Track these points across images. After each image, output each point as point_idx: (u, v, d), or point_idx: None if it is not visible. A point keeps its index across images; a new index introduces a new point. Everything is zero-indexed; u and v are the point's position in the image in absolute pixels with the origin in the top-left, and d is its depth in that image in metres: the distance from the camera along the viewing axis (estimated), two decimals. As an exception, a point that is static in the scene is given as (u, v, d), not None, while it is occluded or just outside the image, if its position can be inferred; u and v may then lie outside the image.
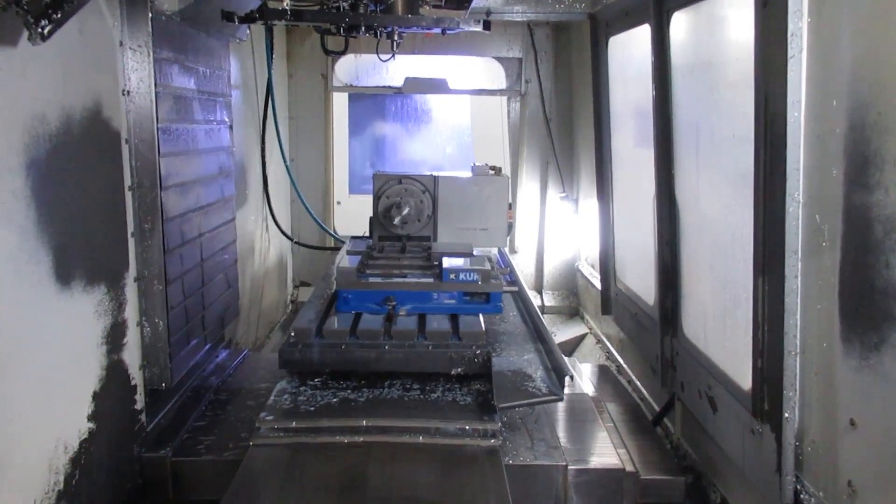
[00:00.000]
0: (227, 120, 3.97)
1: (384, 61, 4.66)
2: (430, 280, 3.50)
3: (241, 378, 3.72)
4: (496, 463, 2.70)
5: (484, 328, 3.35)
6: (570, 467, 2.83)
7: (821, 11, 2.11)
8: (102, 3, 2.65)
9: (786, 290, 2.23)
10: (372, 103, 9.06)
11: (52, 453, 2.31)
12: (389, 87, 6.62)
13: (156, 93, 2.90)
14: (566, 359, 3.30)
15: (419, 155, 9.11)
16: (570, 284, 6.64)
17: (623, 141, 4.41)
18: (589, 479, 2.86)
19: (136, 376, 2.92)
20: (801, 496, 2.29)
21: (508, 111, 6.85)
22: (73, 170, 2.42)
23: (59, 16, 1.97)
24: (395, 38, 3.88)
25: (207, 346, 3.72)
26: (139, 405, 2.94)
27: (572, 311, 6.58)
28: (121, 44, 2.78)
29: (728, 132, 2.81)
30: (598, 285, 5.02)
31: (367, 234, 4.39)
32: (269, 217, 5.55)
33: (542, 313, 4.75)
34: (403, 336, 3.23)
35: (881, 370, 1.92)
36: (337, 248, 5.66)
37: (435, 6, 3.99)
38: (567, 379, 2.98)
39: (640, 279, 4.10)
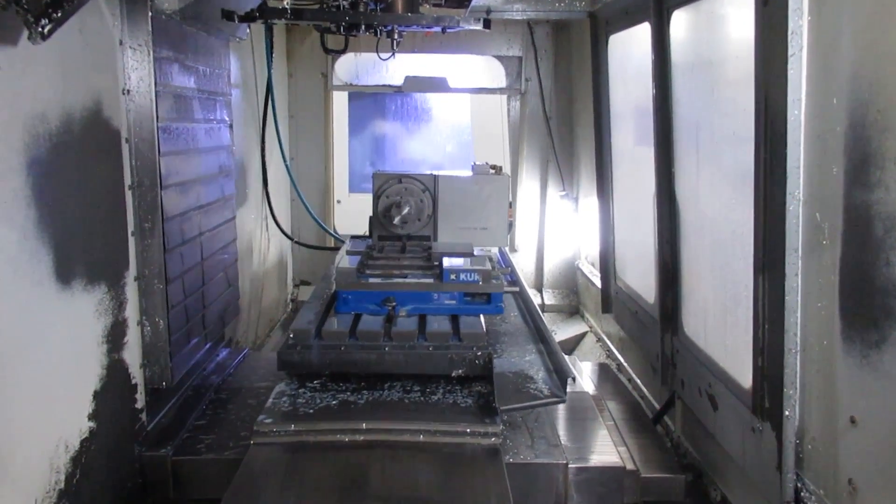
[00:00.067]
0: (227, 119, 3.97)
1: (384, 60, 4.65)
2: (431, 280, 3.47)
3: (242, 377, 3.72)
4: (497, 462, 2.69)
5: (485, 329, 3.33)
6: (570, 465, 2.82)
7: (821, 10, 2.11)
8: (102, 2, 2.64)
9: (786, 288, 2.23)
10: (372, 102, 9.06)
11: (53, 452, 2.31)
12: (389, 85, 6.62)
13: (156, 92, 2.90)
14: (567, 358, 3.29)
15: (419, 154, 9.12)
16: (571, 283, 6.64)
17: (623, 139, 4.41)
18: (589, 477, 2.86)
19: (137, 375, 2.92)
20: (802, 494, 2.29)
21: (508, 110, 6.84)
22: (73, 169, 2.42)
23: (59, 15, 1.96)
24: (395, 36, 3.88)
25: (208, 345, 3.72)
26: (140, 404, 2.95)
27: (572, 310, 6.58)
28: (121, 43, 2.78)
29: (728, 130, 2.81)
30: (599, 284, 5.02)
31: (367, 233, 4.38)
32: (270, 216, 5.55)
33: (543, 312, 4.75)
34: (403, 337, 3.20)
35: (882, 368, 1.92)
36: (337, 248, 5.66)
37: (435, 5, 3.99)
38: (569, 380, 2.97)
39: (641, 277, 4.10)
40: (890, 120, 1.85)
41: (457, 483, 2.60)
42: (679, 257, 3.45)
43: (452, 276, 3.43)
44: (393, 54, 4.31)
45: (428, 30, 3.92)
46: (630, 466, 2.93)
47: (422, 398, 3.09)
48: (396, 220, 4.13)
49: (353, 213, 7.06)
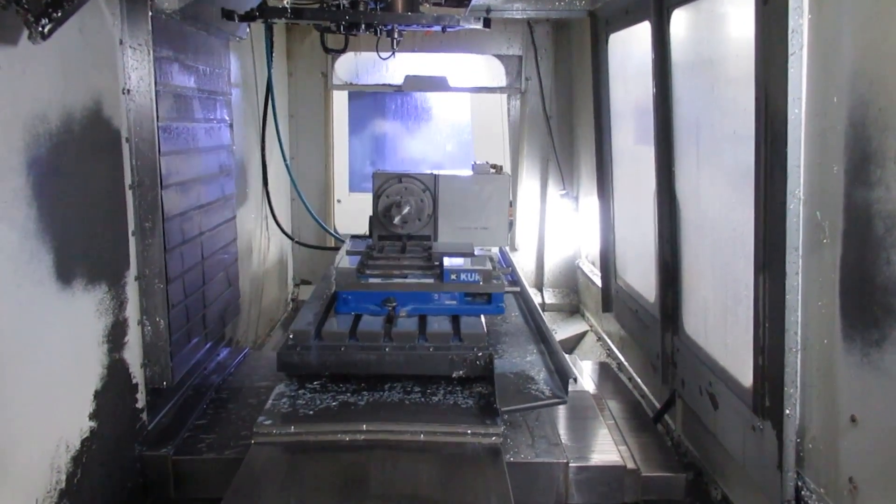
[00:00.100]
0: (227, 118, 3.97)
1: (384, 59, 4.65)
2: (431, 280, 3.46)
3: (242, 376, 3.71)
4: (498, 464, 2.68)
5: (486, 329, 3.32)
6: (571, 464, 2.82)
7: (821, 8, 2.11)
8: (102, 1, 2.64)
9: (787, 287, 2.23)
10: (372, 101, 9.07)
11: (53, 452, 2.31)
12: (389, 85, 6.61)
13: (156, 91, 2.90)
14: (567, 357, 3.28)
15: (419, 153, 9.12)
16: (571, 282, 6.64)
17: (623, 138, 4.41)
18: (590, 476, 2.85)
19: (138, 375, 2.92)
20: (802, 493, 2.29)
21: (508, 109, 6.84)
22: (73, 169, 2.42)
23: (59, 14, 1.96)
24: (395, 35, 3.88)
25: (208, 345, 3.72)
26: (140, 404, 2.95)
27: (573, 309, 6.58)
28: (121, 42, 2.78)
29: (728, 129, 2.81)
30: (599, 283, 5.02)
31: (367, 233, 4.37)
32: (270, 216, 5.55)
33: (543, 310, 4.74)
34: (404, 338, 3.19)
35: (882, 367, 1.92)
36: (337, 248, 5.66)
37: (435, 4, 3.99)
38: (570, 381, 2.94)
39: (641, 276, 4.10)
40: (890, 118, 1.85)
41: (457, 484, 2.59)
42: (679, 256, 3.45)
43: (453, 277, 3.41)
44: (393, 53, 4.31)
45: (428, 29, 3.92)
46: (630, 465, 2.93)
47: (422, 399, 3.07)
48: (397, 220, 4.12)
49: (353, 213, 7.06)
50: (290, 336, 3.19)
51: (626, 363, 4.72)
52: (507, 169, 6.62)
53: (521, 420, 3.08)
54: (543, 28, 6.45)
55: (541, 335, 3.55)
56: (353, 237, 4.50)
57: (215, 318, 3.81)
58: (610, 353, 5.14)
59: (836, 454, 2.15)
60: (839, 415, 2.12)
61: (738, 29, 2.63)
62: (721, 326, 2.96)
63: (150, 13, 2.83)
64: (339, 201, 7.24)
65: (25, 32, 1.94)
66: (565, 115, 6.50)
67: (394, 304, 3.39)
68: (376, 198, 4.22)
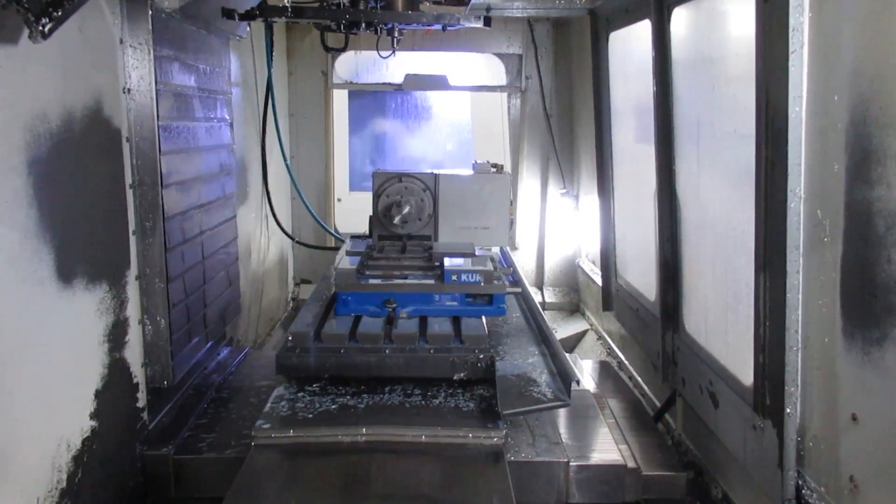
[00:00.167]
0: (227, 117, 3.97)
1: (384, 58, 4.65)
2: (432, 281, 3.43)
3: (243, 376, 3.71)
4: (500, 467, 2.66)
5: (487, 331, 3.29)
6: (571, 463, 2.82)
7: (822, 6, 2.11)
8: (102, 1, 2.64)
9: (787, 286, 2.23)
10: (372, 100, 9.06)
11: (54, 451, 2.31)
12: (389, 83, 6.61)
13: (156, 90, 2.90)
14: (568, 357, 3.28)
15: (419, 152, 9.11)
16: (571, 281, 6.65)
17: (624, 137, 4.41)
18: (590, 475, 2.85)
19: (138, 374, 2.93)
20: (803, 491, 2.29)
21: (509, 107, 6.84)
22: (74, 168, 2.42)
23: (59, 14, 1.96)
24: (396, 34, 3.88)
25: (209, 344, 3.72)
26: (141, 403, 2.95)
27: (573, 308, 6.58)
28: (121, 41, 2.78)
29: (729, 128, 2.80)
30: (599, 281, 5.02)
31: (367, 232, 4.36)
32: (270, 215, 5.55)
33: (543, 309, 4.74)
34: (404, 339, 3.16)
35: (883, 365, 1.92)
36: (337, 248, 5.66)
37: (435, 2, 3.99)
38: (573, 384, 2.92)
39: (641, 275, 4.10)
40: (891, 116, 1.85)
41: (459, 487, 2.57)
42: (680, 255, 3.45)
43: (454, 277, 3.39)
44: (393, 52, 4.31)
45: (428, 28, 3.92)
46: (631, 464, 2.93)
47: (423, 402, 3.05)
48: (397, 220, 4.11)
49: (353, 212, 7.06)
50: (289, 338, 3.17)
51: (626, 362, 4.72)
52: (507, 168, 6.62)
53: (521, 419, 3.08)
54: (543, 26, 6.45)
55: (542, 336, 3.53)
56: (353, 237, 4.49)
57: (216, 318, 3.81)
58: (610, 352, 5.14)
59: (836, 453, 2.15)
60: (840, 413, 2.12)
61: (739, 27, 2.63)
62: (721, 325, 2.96)
63: (150, 12, 2.83)
64: (339, 200, 7.24)
65: (26, 32, 1.94)
66: (565, 114, 6.50)
67: (394, 305, 3.36)
68: (376, 197, 4.21)
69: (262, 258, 5.53)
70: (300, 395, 3.08)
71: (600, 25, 4.50)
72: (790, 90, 2.14)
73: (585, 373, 4.11)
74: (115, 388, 2.71)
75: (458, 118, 9.11)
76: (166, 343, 3.02)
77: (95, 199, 2.58)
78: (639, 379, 4.38)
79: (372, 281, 3.44)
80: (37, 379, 2.24)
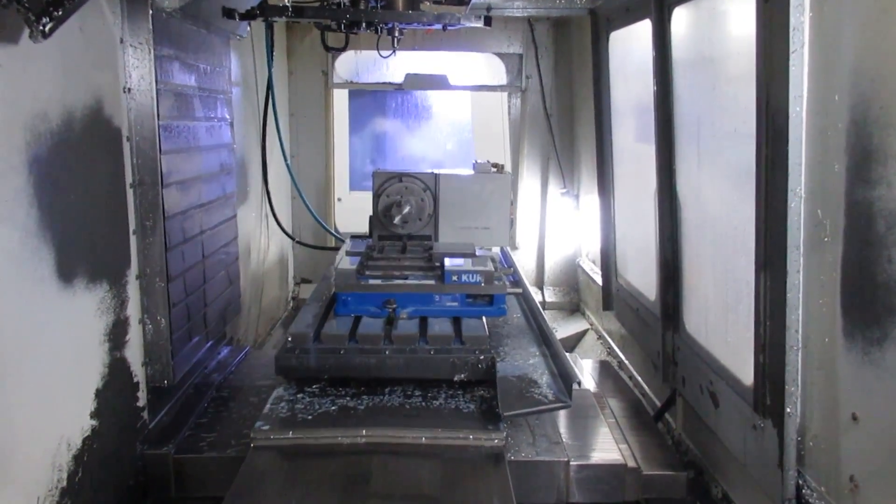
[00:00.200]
0: (227, 117, 3.97)
1: (384, 58, 4.65)
2: (432, 282, 3.41)
3: (243, 375, 3.71)
4: (501, 470, 2.65)
5: (487, 332, 3.28)
6: (571, 463, 2.82)
7: (822, 6, 2.11)
8: (103, 0, 2.64)
9: (787, 286, 2.23)
10: (372, 100, 9.06)
11: (55, 451, 2.31)
12: (390, 83, 6.61)
13: (157, 90, 2.90)
14: (568, 356, 3.28)
15: (420, 151, 9.11)
16: (572, 280, 6.64)
17: (624, 136, 4.41)
18: (591, 474, 2.85)
19: (139, 373, 2.93)
20: (803, 491, 2.29)
21: (509, 107, 6.84)
22: (74, 168, 2.42)
23: (60, 13, 1.96)
24: (396, 34, 3.88)
25: (209, 344, 3.73)
26: (141, 402, 2.95)
27: (573, 307, 6.58)
28: (121, 41, 2.78)
29: (729, 127, 2.80)
30: (600, 281, 5.02)
31: (367, 232, 4.35)
32: (270, 214, 5.55)
33: (543, 309, 4.74)
34: (404, 340, 3.15)
35: (883, 365, 1.92)
36: (337, 248, 5.65)
37: (435, 2, 3.99)
38: (574, 385, 2.90)
39: (642, 275, 4.10)
40: (892, 116, 1.85)
41: (459, 489, 2.57)
42: (680, 254, 3.45)
43: (454, 278, 3.37)
44: (393, 52, 4.31)
45: (428, 27, 3.91)
46: (631, 464, 2.93)
47: (423, 403, 3.04)
48: (397, 220, 4.10)
49: (353, 211, 7.06)
50: (289, 339, 3.15)
51: (626, 361, 4.72)
52: (508, 167, 6.62)
53: (521, 419, 3.08)
54: (544, 26, 6.44)
55: (543, 337, 3.52)
56: (353, 237, 4.48)
57: (216, 317, 3.81)
58: (610, 352, 5.14)
59: (837, 452, 2.15)
60: (840, 413, 2.12)
61: (739, 27, 2.63)
62: (722, 325, 2.96)
63: (150, 12, 2.83)
64: (339, 200, 7.24)
65: (26, 31, 1.94)
66: (566, 114, 6.50)
67: (394, 305, 3.35)
68: (376, 197, 4.20)
69: (263, 257, 5.53)
70: (300, 396, 3.07)
71: (601, 25, 4.50)
72: (791, 90, 2.14)
73: (586, 372, 4.12)
74: (115, 388, 2.71)
75: (459, 118, 9.11)
76: (167, 342, 3.02)
77: (96, 199, 2.58)
78: (639, 378, 4.38)
79: (372, 281, 3.43)
80: (37, 378, 2.24)
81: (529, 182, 6.65)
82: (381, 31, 3.89)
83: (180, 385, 3.33)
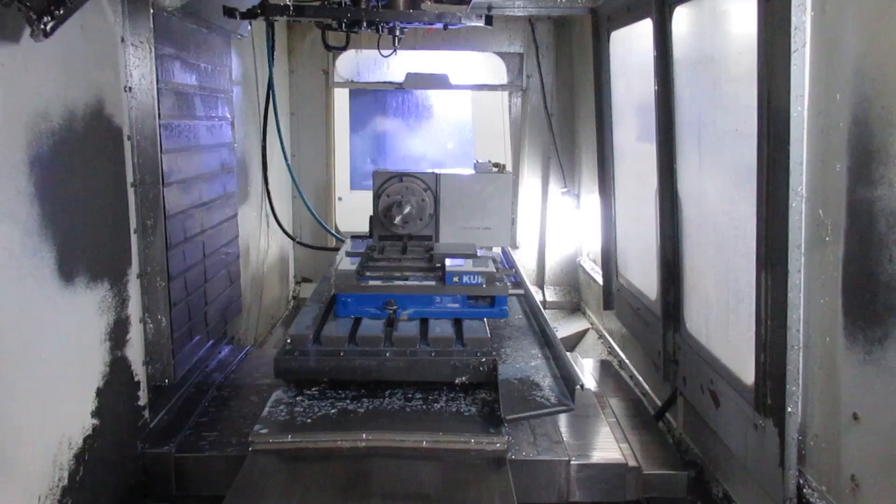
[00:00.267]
0: (228, 116, 3.97)
1: (385, 57, 4.64)
2: (433, 283, 3.38)
3: (244, 374, 3.71)
4: (502, 471, 2.64)
5: (489, 334, 3.25)
6: (572, 462, 2.82)
7: (824, 5, 2.11)
8: (104, -1, 2.65)
9: (789, 285, 2.23)
10: (373, 99, 9.05)
11: (56, 449, 2.31)
12: (390, 82, 6.61)
13: (157, 89, 2.90)
14: (569, 355, 3.27)
15: (420, 151, 9.11)
16: (572, 280, 6.64)
17: (625, 136, 4.41)
18: (591, 473, 2.85)
19: (140, 372, 2.93)
20: (804, 490, 2.29)
21: (510, 106, 6.84)
22: (75, 166, 2.42)
23: (61, 12, 1.96)
24: (397, 33, 3.87)
25: (210, 343, 3.73)
26: (142, 401, 2.95)
27: (574, 307, 6.58)
28: (122, 40, 2.78)
29: (730, 127, 2.80)
30: (600, 280, 5.02)
31: (368, 232, 4.34)
32: (271, 214, 5.55)
33: (544, 308, 4.74)
34: (405, 342, 3.12)
35: (884, 364, 1.92)
36: (337, 248, 5.65)
37: (436, 1, 3.98)
38: (577, 388, 2.87)
39: (643, 274, 4.09)
40: (894, 116, 1.85)
41: (460, 495, 2.55)
42: (681, 254, 3.45)
43: (455, 279, 3.34)
44: (394, 51, 4.30)
45: (429, 26, 3.91)
46: (632, 463, 2.93)
47: (424, 406, 3.02)
48: (397, 220, 4.09)
49: (354, 210, 7.06)
50: (288, 341, 3.12)
51: (627, 361, 4.72)
52: (508, 166, 6.61)
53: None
54: (545, 25, 6.44)
55: (545, 338, 3.50)
56: (354, 237, 4.46)
57: (217, 316, 3.81)
58: (611, 351, 5.14)
59: (837, 452, 2.15)
60: (841, 412, 2.12)
61: (741, 26, 2.63)
62: (723, 324, 2.96)
63: (151, 11, 2.84)
64: (340, 199, 7.24)
65: (28, 30, 1.94)
66: (567, 113, 6.50)
67: (394, 307, 3.32)
68: (377, 197, 4.19)
69: (263, 256, 5.53)
70: (299, 398, 3.04)
71: (601, 24, 4.50)
72: (792, 89, 2.14)
73: (586, 371, 4.11)
74: (116, 387, 2.71)
75: (460, 117, 9.11)
76: (167, 341, 3.03)
77: (97, 198, 2.58)
78: (640, 378, 4.38)
79: (372, 282, 3.40)
80: (38, 377, 2.24)
81: (530, 181, 6.65)
82: (382, 30, 3.89)
83: (181, 384, 3.33)
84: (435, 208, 4.19)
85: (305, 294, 6.24)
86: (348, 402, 3.03)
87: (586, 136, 5.82)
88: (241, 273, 4.33)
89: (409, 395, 3.10)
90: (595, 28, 4.59)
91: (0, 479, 2.04)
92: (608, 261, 4.75)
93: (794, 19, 2.11)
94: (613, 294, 4.72)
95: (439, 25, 3.76)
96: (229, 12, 3.55)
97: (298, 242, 6.31)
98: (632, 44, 4.05)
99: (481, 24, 3.76)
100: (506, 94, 6.86)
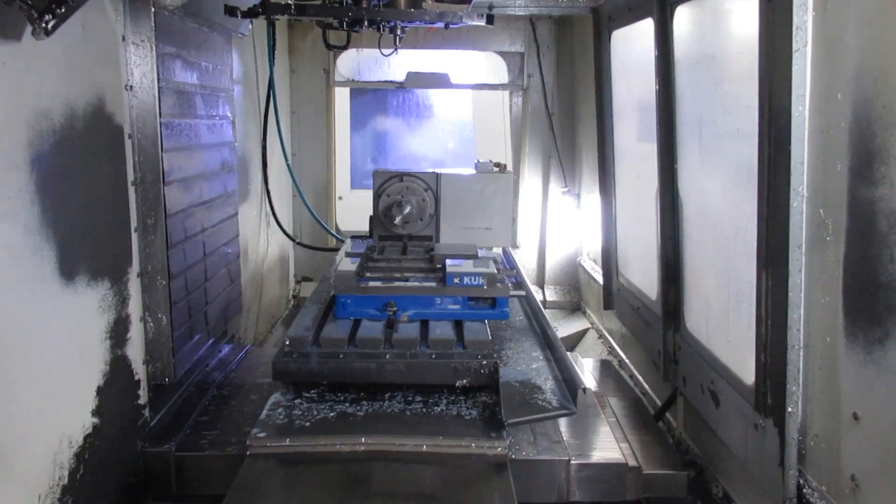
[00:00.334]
0: (229, 115, 3.97)
1: (386, 56, 4.64)
2: (433, 284, 3.36)
3: (244, 373, 3.71)
4: (503, 475, 2.63)
5: (490, 336, 3.23)
6: (572, 462, 2.82)
7: (826, 5, 2.10)
8: (105, -3, 2.65)
9: (789, 285, 2.23)
10: (374, 98, 9.05)
11: (56, 448, 2.31)
12: (391, 81, 6.61)
13: (158, 87, 2.90)
14: (570, 355, 3.27)
15: (421, 150, 9.11)
16: (572, 279, 6.64)
17: (626, 135, 4.41)
18: (591, 473, 2.85)
19: (140, 371, 2.93)
20: (804, 490, 2.29)
21: (510, 106, 6.84)
22: (76, 165, 2.42)
23: (62, 11, 1.96)
24: (398, 32, 3.87)
25: (210, 342, 3.73)
26: (143, 400, 2.95)
27: (574, 306, 6.58)
28: (123, 38, 2.78)
29: (731, 126, 2.80)
30: (601, 280, 5.02)
31: (368, 232, 4.33)
32: (271, 214, 5.55)
33: (544, 307, 4.73)
34: (405, 344, 3.10)
35: (885, 364, 1.92)
36: (337, 249, 5.64)
37: (437, 0, 3.98)
38: (580, 392, 2.85)
39: (643, 274, 4.09)
40: (895, 115, 1.84)
41: (461, 500, 2.54)
42: (681, 253, 3.45)
43: (456, 280, 3.32)
44: (395, 50, 4.30)
45: (431, 25, 3.91)
46: (632, 463, 2.93)
47: (424, 410, 3.00)
48: (398, 220, 4.07)
49: (354, 210, 7.06)
50: (287, 342, 3.10)
51: (627, 361, 4.72)
52: (509, 166, 6.61)
53: (522, 417, 3.06)
54: (546, 25, 6.44)
55: (546, 340, 3.49)
56: (354, 237, 4.44)
57: (217, 315, 3.81)
58: (611, 351, 5.14)
59: (838, 452, 2.15)
60: (841, 412, 2.12)
61: (742, 25, 2.62)
62: (723, 324, 2.96)
63: (152, 9, 2.84)
64: (340, 198, 7.24)
65: (29, 28, 1.94)
66: (567, 112, 6.50)
67: (394, 308, 3.30)
68: (377, 197, 4.18)
69: (263, 255, 5.53)
70: (297, 401, 3.02)
71: (602, 24, 4.49)
72: (793, 89, 2.14)
73: (586, 371, 4.11)
74: (116, 385, 2.71)
75: (460, 116, 9.10)
76: (168, 340, 3.02)
77: (97, 196, 2.58)
78: (640, 377, 4.38)
79: (372, 283, 3.37)
80: (39, 375, 2.24)
81: (531, 181, 6.65)
82: (384, 30, 3.89)
83: (181, 383, 3.33)
84: (435, 208, 4.18)
85: (306, 293, 6.24)
86: (347, 405, 3.01)
87: (587, 135, 5.82)
88: (241, 272, 4.33)
89: (409, 398, 3.08)
90: (596, 27, 4.59)
91: (0, 477, 2.04)
92: (608, 260, 4.75)
93: (795, 19, 2.11)
94: (614, 294, 4.72)
95: (440, 24, 3.76)
96: (230, 11, 3.55)
97: (298, 243, 6.31)
98: (633, 43, 4.05)
99: (482, 23, 3.76)
100: (506, 93, 6.86)
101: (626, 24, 4.06)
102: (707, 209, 3.15)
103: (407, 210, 4.08)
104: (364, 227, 4.49)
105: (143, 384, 2.95)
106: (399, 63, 6.44)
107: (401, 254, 3.86)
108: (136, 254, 2.88)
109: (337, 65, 6.56)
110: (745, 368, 2.63)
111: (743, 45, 2.57)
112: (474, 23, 3.75)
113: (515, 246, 6.67)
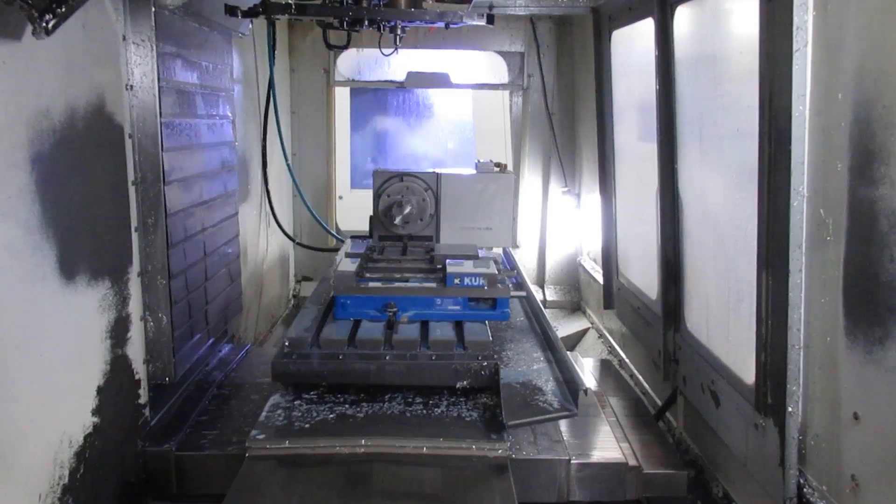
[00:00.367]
0: (229, 115, 3.97)
1: (386, 55, 4.64)
2: (433, 284, 3.35)
3: (244, 373, 3.71)
4: (504, 477, 2.62)
5: (491, 337, 3.22)
6: (572, 461, 2.82)
7: (826, 5, 2.10)
8: (105, -3, 2.65)
9: (790, 284, 2.23)
10: (374, 98, 9.05)
11: (56, 447, 2.31)
12: (392, 81, 6.61)
13: (159, 87, 2.90)
14: (570, 354, 3.27)
15: (421, 150, 9.11)
16: (573, 279, 6.64)
17: (626, 135, 4.41)
18: (591, 473, 2.85)
19: (140, 371, 2.93)
20: (804, 490, 2.29)
21: (510, 105, 6.83)
22: (76, 164, 2.42)
23: (62, 10, 1.96)
24: (398, 32, 3.87)
25: (210, 341, 3.73)
26: (143, 399, 2.95)
27: (574, 306, 6.58)
28: (124, 38, 2.78)
29: (732, 126, 2.80)
30: (601, 280, 5.02)
31: (368, 232, 4.32)
32: (271, 214, 5.55)
33: (545, 307, 4.73)
34: (405, 345, 3.09)
35: (885, 364, 1.92)
36: (337, 249, 5.64)
37: (438, 0, 3.98)
38: (581, 393, 2.84)
39: (643, 273, 4.09)
40: (895, 115, 1.85)
41: (461, 501, 2.54)
42: (682, 253, 3.45)
43: (456, 280, 3.31)
44: (395, 50, 4.30)
45: (431, 25, 3.91)
46: (632, 462, 2.93)
47: (424, 411, 2.99)
48: (398, 220, 4.07)
49: (355, 209, 7.06)
50: (286, 343, 3.08)
51: (627, 360, 4.72)
52: (509, 166, 6.61)
53: (522, 416, 3.06)
54: (546, 24, 6.44)
55: (547, 341, 3.48)
56: (353, 237, 4.42)
57: (217, 315, 3.81)
58: (611, 351, 5.14)
59: (838, 451, 2.15)
60: (842, 412, 2.12)
61: (742, 25, 2.62)
62: (723, 324, 2.96)
63: (153, 9, 2.84)
64: (340, 198, 7.24)
65: (29, 28, 1.94)
66: (567, 112, 6.49)
67: (394, 309, 3.29)
68: (377, 197, 4.17)
69: (264, 255, 5.53)
70: (297, 403, 3.01)
71: (603, 23, 4.49)
72: (794, 89, 2.14)
73: (586, 371, 4.11)
74: (116, 385, 2.71)
75: (460, 116, 9.10)
76: (168, 340, 3.03)
77: (98, 196, 2.58)
78: (640, 377, 4.38)
79: (372, 284, 3.36)
80: (39, 375, 2.24)
81: (531, 180, 6.65)
82: (384, 29, 3.89)
83: (181, 382, 3.33)
84: (436, 208, 4.17)
85: (306, 292, 6.24)
86: (347, 406, 3.00)
87: (587, 135, 5.82)
88: (241, 271, 4.33)
89: (410, 400, 3.07)
90: (596, 27, 4.59)
91: (1, 476, 2.04)
92: (609, 260, 4.75)
93: (795, 19, 2.11)
94: (614, 293, 4.72)
95: (441, 24, 3.76)
96: (231, 10, 3.55)
97: (298, 244, 6.31)
98: (633, 43, 4.05)
99: (482, 23, 3.76)
100: (507, 93, 6.86)
101: (627, 23, 4.06)
102: (707, 209, 3.15)
103: (407, 210, 4.07)
104: (364, 226, 4.48)
105: (144, 384, 2.95)
106: (399, 63, 6.43)
107: (401, 254, 3.85)
108: (136, 253, 2.88)
109: (337, 64, 6.56)
110: (746, 368, 2.63)
111: (743, 44, 2.57)
112: (474, 22, 3.75)
113: (516, 246, 6.68)
